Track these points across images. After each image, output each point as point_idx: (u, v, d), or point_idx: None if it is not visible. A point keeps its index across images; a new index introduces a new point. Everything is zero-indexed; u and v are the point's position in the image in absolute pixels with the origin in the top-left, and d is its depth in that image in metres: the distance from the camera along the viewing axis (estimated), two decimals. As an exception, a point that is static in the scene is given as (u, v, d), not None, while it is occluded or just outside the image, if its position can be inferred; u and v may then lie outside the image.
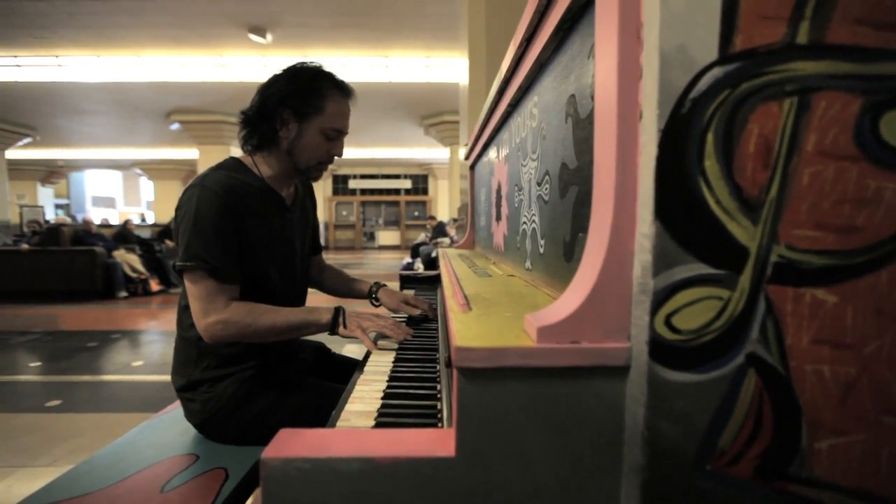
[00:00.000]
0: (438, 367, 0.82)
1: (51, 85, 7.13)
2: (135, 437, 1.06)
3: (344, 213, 16.66)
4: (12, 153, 10.52)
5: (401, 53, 6.62)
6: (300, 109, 0.99)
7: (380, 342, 1.02)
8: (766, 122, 0.37)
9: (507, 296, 0.67)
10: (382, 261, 11.34)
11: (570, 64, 0.60)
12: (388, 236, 16.75)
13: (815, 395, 0.38)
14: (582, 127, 0.55)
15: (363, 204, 16.76)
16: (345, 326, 0.98)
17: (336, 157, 1.08)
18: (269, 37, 5.78)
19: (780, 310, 0.38)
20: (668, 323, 0.37)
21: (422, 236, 10.98)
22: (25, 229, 7.96)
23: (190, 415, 1.03)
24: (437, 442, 0.42)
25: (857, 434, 0.39)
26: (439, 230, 8.73)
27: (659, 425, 0.37)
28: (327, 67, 1.06)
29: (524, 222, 0.88)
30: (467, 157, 1.95)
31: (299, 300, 1.19)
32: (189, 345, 1.02)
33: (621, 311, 0.40)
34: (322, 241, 1.57)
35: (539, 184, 0.76)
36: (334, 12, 5.30)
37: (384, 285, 1.32)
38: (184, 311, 1.02)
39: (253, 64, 6.62)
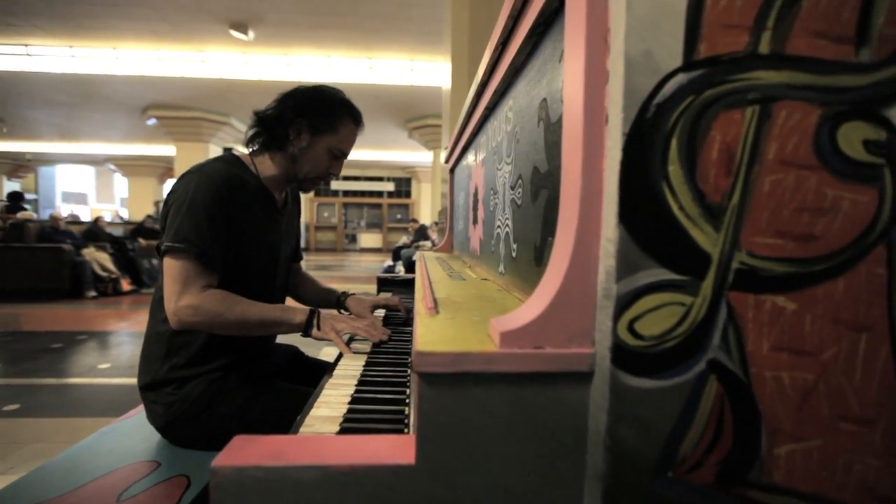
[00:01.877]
0: (409, 370, 0.81)
1: (19, 74, 6.86)
2: (93, 443, 1.01)
3: (325, 214, 16.48)
4: (-23, 145, 10.08)
5: (385, 56, 6.61)
6: (316, 124, 1.05)
7: (354, 345, 1.00)
8: (729, 130, 0.38)
9: (479, 300, 0.66)
10: (363, 263, 11.24)
11: (543, 68, 0.60)
12: (369, 239, 16.63)
13: (774, 402, 0.39)
14: (553, 131, 0.55)
15: (345, 206, 16.61)
16: (318, 328, 0.97)
17: (332, 177, 1.14)
18: (252, 34, 5.69)
19: (741, 316, 0.38)
20: (630, 328, 0.37)
21: (403, 239, 10.94)
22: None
23: (153, 417, 0.99)
24: (396, 449, 0.41)
25: (815, 439, 0.39)
26: (421, 233, 8.72)
27: (621, 432, 0.37)
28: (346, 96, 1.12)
29: (498, 226, 0.88)
30: (447, 161, 1.94)
31: (277, 303, 1.17)
32: (160, 340, 0.99)
33: (585, 316, 0.40)
34: (303, 243, 1.57)
35: (513, 188, 0.76)
36: (318, 12, 5.25)
37: (353, 294, 1.31)
38: (158, 303, 0.99)
39: (234, 61, 6.51)
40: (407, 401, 0.68)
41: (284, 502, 0.38)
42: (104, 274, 5.61)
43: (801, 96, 0.38)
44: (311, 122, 1.05)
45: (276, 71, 6.69)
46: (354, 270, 9.63)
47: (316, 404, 0.67)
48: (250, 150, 1.10)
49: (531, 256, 0.63)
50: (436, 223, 7.78)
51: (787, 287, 0.39)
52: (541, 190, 0.59)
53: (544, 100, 0.58)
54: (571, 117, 0.42)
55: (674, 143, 0.37)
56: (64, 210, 10.39)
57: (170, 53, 6.36)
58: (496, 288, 0.80)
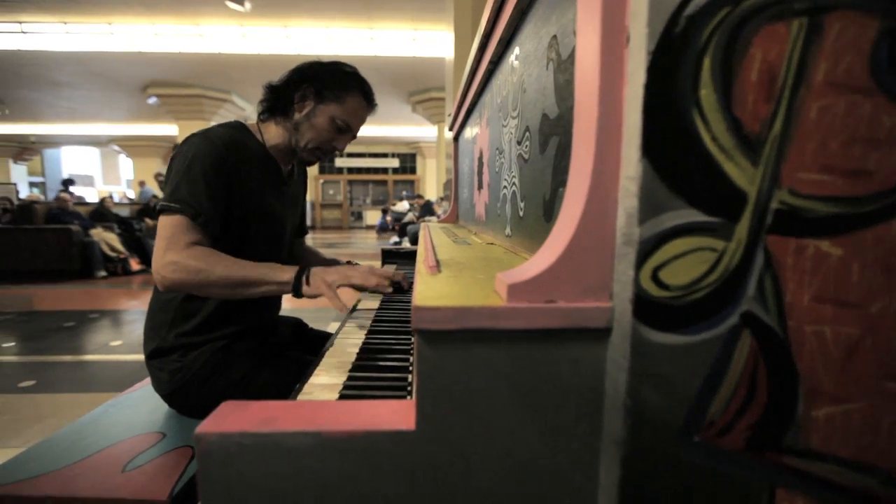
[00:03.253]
0: (413, 337, 0.78)
1: (16, 53, 6.76)
2: (99, 415, 1.01)
3: (331, 192, 16.40)
4: (-19, 128, 10.07)
5: (387, 25, 6.40)
6: (322, 92, 1.01)
7: (357, 313, 0.97)
8: (771, 47, 0.32)
9: (484, 261, 0.62)
10: (370, 240, 11.23)
11: (552, 3, 0.54)
12: (375, 216, 16.57)
13: (814, 359, 0.35)
14: (564, 69, 0.49)
15: (350, 183, 16.50)
16: (308, 284, 0.89)
17: (336, 152, 1.08)
18: (248, 5, 5.52)
19: (779, 263, 0.34)
20: (654, 277, 0.32)
21: (409, 215, 10.88)
22: (-3, 207, 7.67)
23: (158, 385, 0.99)
24: (396, 414, 0.38)
25: (858, 401, 0.35)
26: (426, 209, 8.66)
27: (642, 393, 0.33)
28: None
29: (504, 186, 0.83)
30: (451, 128, 1.88)
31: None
32: (166, 307, 0.98)
33: (603, 265, 0.35)
34: (308, 221, 1.52)
35: (519, 142, 0.71)
36: (316, -21, 5.07)
37: (357, 264, 1.27)
38: None
39: (231, 34, 6.35)
40: (410, 368, 0.65)
41: (275, 470, 0.35)
42: (113, 254, 5.64)
43: (857, 4, 0.32)
44: (316, 89, 1.01)
45: (275, 44, 6.53)
46: (361, 247, 9.63)
47: (315, 372, 0.64)
48: (260, 118, 1.07)
49: (540, 212, 0.58)
50: (441, 198, 7.70)
51: (833, 230, 0.34)
52: (550, 138, 0.54)
53: (554, 37, 0.53)
54: (586, 42, 0.37)
55: (706, 63, 0.32)
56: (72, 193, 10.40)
57: (166, 27, 6.21)
58: (502, 251, 0.76)
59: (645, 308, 0.33)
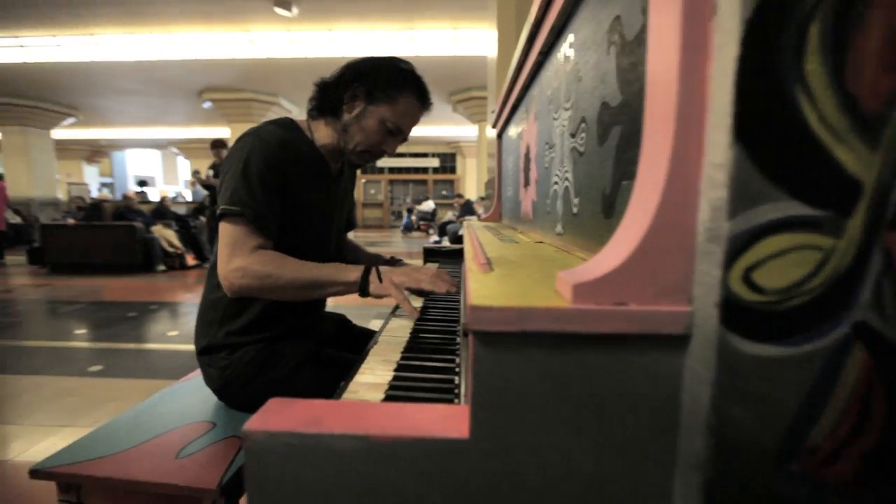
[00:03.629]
0: (459, 339, 0.76)
1: (89, 64, 7.32)
2: (155, 402, 1.05)
3: (372, 191, 16.71)
4: (59, 133, 10.99)
5: (428, 25, 6.42)
6: (373, 92, 0.96)
7: (397, 312, 0.96)
8: (897, 9, 0.27)
9: (536, 259, 0.59)
10: (410, 239, 11.35)
11: (616, -20, 0.50)
12: (415, 215, 16.73)
13: (941, 378, 0.29)
14: (629, 51, 0.45)
15: (391, 182, 16.74)
16: (376, 283, 0.89)
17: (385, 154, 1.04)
18: (295, 10, 5.70)
19: (901, 265, 0.29)
20: (747, 279, 0.28)
21: (449, 214, 10.90)
22: (72, 206, 8.37)
23: (209, 380, 1.02)
24: (448, 420, 0.36)
25: None
26: (467, 208, 8.64)
27: (730, 410, 0.29)
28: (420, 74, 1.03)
29: (555, 182, 0.79)
30: (494, 125, 1.84)
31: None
32: (215, 306, 1.00)
33: (681, 264, 0.31)
34: None
35: (573, 135, 0.67)
36: (360, -18, 5.16)
37: (400, 260, 1.26)
38: (213, 270, 0.99)
39: (279, 39, 6.59)
40: (457, 370, 0.62)
41: (320, 474, 0.34)
42: (171, 249, 6.00)
43: None
44: (367, 89, 0.96)
45: (320, 47, 6.71)
46: (401, 246, 9.74)
47: (360, 370, 0.63)
48: (310, 115, 1.04)
49: (598, 209, 0.54)
50: (482, 198, 7.65)
51: (969, 226, 0.28)
52: (612, 128, 0.50)
53: (617, 18, 0.49)
54: (660, 16, 0.33)
55: (814, 30, 0.28)
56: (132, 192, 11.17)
57: (219, 35, 6.52)
58: (553, 249, 0.72)
59: (734, 314, 0.29)
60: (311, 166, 1.00)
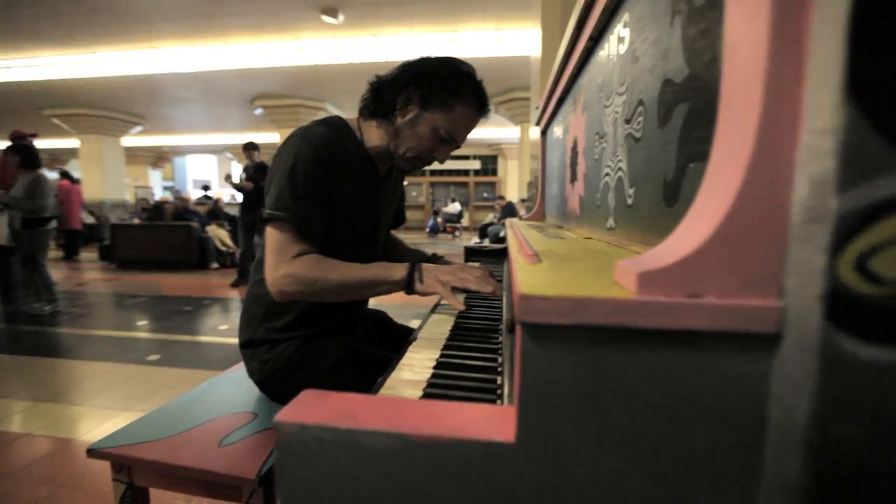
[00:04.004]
0: (501, 337, 0.72)
1: (154, 76, 7.86)
2: (202, 391, 1.09)
3: (413, 193, 16.90)
4: (127, 140, 11.88)
5: (470, 27, 6.41)
6: (428, 97, 0.92)
7: (437, 309, 0.93)
8: None
9: (586, 252, 0.54)
10: (436, 242, 11.37)
11: (683, -57, 0.45)
12: (456, 217, 16.75)
13: None
14: (697, 18, 0.40)
15: (432, 184, 16.86)
16: (421, 282, 0.88)
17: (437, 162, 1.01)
18: (341, 17, 5.86)
19: None
20: (861, 267, 0.23)
21: (490, 217, 10.82)
22: (138, 207, 9.02)
23: (251, 373, 1.04)
24: (492, 421, 0.33)
25: None
26: (508, 210, 8.54)
27: (839, 428, 0.24)
28: (480, 79, 0.98)
29: (607, 174, 0.74)
30: (538, 122, 1.79)
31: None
32: (257, 301, 1.01)
33: (771, 250, 0.27)
34: None
35: (628, 120, 0.62)
36: (404, -14, 5.23)
37: (442, 257, 1.24)
38: (257, 266, 1.01)
39: (326, 46, 6.79)
40: (499, 369, 0.59)
41: (352, 472, 0.32)
42: (224, 248, 6.32)
43: None
44: (422, 94, 0.92)
45: (364, 52, 6.85)
46: (442, 248, 9.76)
47: (399, 366, 0.61)
48: (362, 114, 1.02)
49: (659, 197, 0.49)
50: (523, 200, 7.53)
51: None
52: (676, 106, 0.45)
53: (684, -16, 0.44)
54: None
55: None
56: (193, 195, 11.89)
57: (271, 44, 6.81)
58: (604, 245, 0.67)
59: (844, 309, 0.24)
60: (358, 167, 0.98)
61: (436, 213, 13.56)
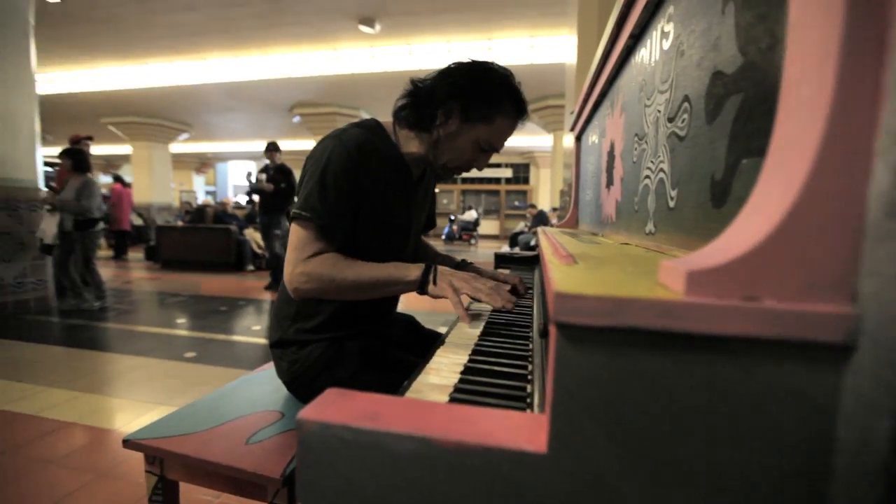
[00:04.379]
0: (531, 344, 0.69)
1: (201, 86, 8.27)
2: (232, 388, 1.11)
3: (444, 201, 16.98)
4: (175, 146, 12.51)
5: (504, 34, 6.41)
6: (470, 111, 0.93)
7: (472, 308, 0.91)
8: None
9: (624, 257, 0.52)
10: (480, 249, 11.33)
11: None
12: (486, 225, 16.71)
13: None
14: (754, 2, 0.37)
15: (463, 192, 16.90)
16: (434, 284, 0.87)
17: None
18: (378, 27, 5.98)
19: None
20: (957, 267, 0.20)
21: (521, 225, 10.72)
22: (181, 210, 9.47)
23: (280, 372, 1.05)
24: (522, 429, 0.30)
25: None
26: (540, 219, 8.43)
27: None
28: (518, 83, 0.98)
29: (647, 176, 0.70)
30: (573, 127, 1.75)
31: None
32: (289, 302, 1.02)
33: (844, 248, 0.24)
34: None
35: (671, 119, 0.58)
36: (440, -4, 5.29)
37: (471, 263, 1.22)
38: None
39: (362, 55, 6.95)
40: (529, 377, 0.56)
41: (373, 475, 0.30)
42: (260, 251, 6.51)
43: None
44: (464, 107, 0.92)
45: (399, 61, 6.97)
46: (471, 256, 9.73)
47: (425, 370, 0.60)
48: (396, 120, 1.01)
49: (704, 197, 0.46)
50: (554, 209, 7.42)
51: None
52: (727, 99, 0.42)
53: (737, -31, 0.41)
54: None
55: None
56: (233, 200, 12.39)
57: (310, 54, 7.03)
58: (642, 250, 0.64)
59: (935, 316, 0.20)
60: (392, 170, 0.98)
61: (451, 221, 13.48)
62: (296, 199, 0.93)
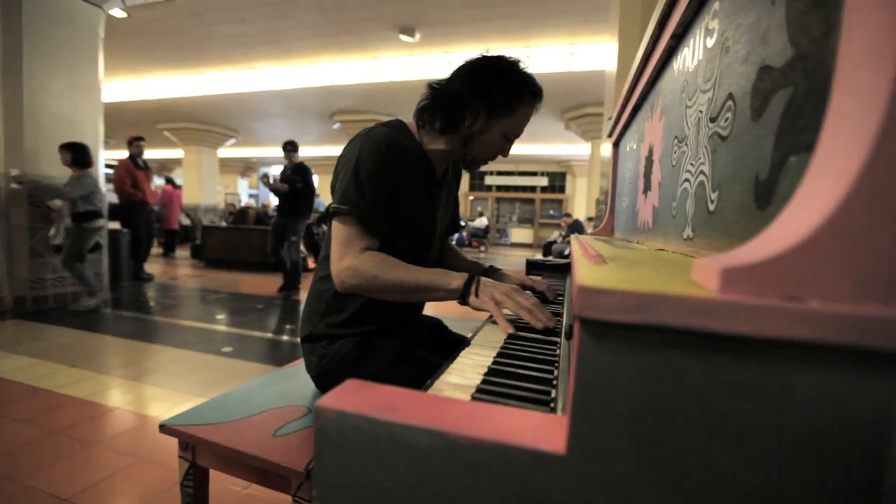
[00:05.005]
0: (559, 349, 0.67)
1: (249, 94, 8.66)
2: (263, 382, 1.14)
3: (479, 209, 16.97)
4: (222, 151, 13.16)
5: (543, 42, 6.38)
6: (493, 107, 0.98)
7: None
8: None
9: (658, 261, 0.49)
10: (513, 258, 11.22)
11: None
12: (520, 234, 16.56)
13: None
14: (807, -9, 0.35)
15: (498, 200, 16.83)
16: (476, 295, 0.88)
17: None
18: (418, 35, 6.09)
19: None
20: None
21: (555, 235, 10.55)
22: (225, 211, 9.92)
23: (309, 367, 1.07)
24: (542, 429, 0.29)
25: None
26: (575, 228, 8.27)
27: None
28: (526, 67, 1.02)
29: (686, 180, 0.67)
30: (611, 133, 1.71)
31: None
32: (319, 297, 1.05)
33: (904, 247, 0.21)
34: (455, 237, 1.53)
35: (713, 119, 0.56)
36: (478, 4, 5.32)
37: (500, 270, 1.22)
38: (322, 263, 1.05)
39: (402, 63, 7.08)
40: (554, 382, 0.55)
41: (389, 467, 0.30)
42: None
43: None
44: (489, 105, 0.97)
45: (437, 69, 7.05)
46: (504, 264, 9.64)
47: (448, 370, 0.59)
48: (418, 121, 1.04)
49: (748, 199, 0.43)
50: (590, 219, 7.26)
51: None
52: (774, 95, 0.40)
53: (788, -42, 0.39)
54: None
55: None
56: (274, 202, 12.86)
57: (351, 63, 7.23)
58: (679, 256, 0.61)
59: None
60: (417, 166, 1.02)
61: (462, 227, 13.51)
62: (331, 198, 0.96)
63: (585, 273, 0.30)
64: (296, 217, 4.51)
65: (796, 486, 0.24)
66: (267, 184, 4.26)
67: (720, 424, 0.24)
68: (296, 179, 4.31)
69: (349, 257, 0.90)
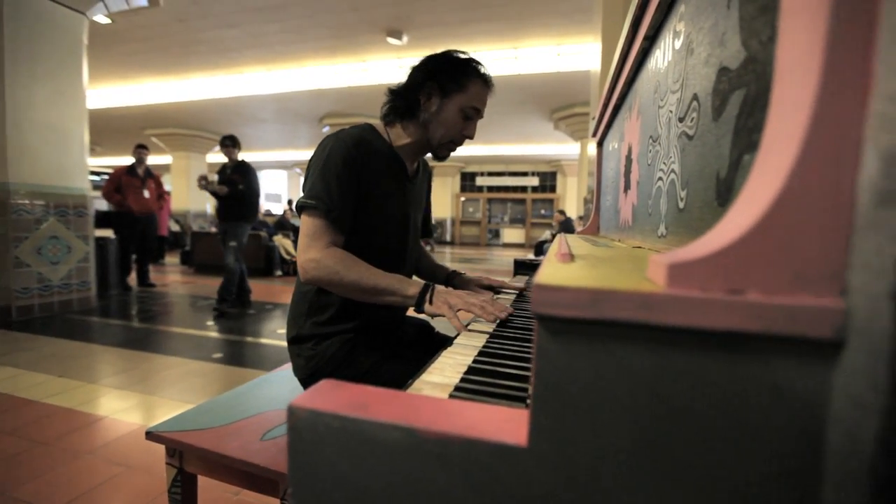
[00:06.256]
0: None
1: (237, 99, 8.62)
2: (251, 387, 1.14)
3: (470, 209, 17.00)
4: (210, 157, 13.05)
5: (531, 43, 6.42)
6: (445, 85, 1.04)
7: (471, 325, 0.92)
8: None
9: (629, 259, 0.51)
10: (505, 258, 11.26)
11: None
12: (512, 234, 16.61)
13: None
14: (758, -4, 0.37)
15: (489, 201, 16.87)
16: (430, 302, 0.92)
17: (467, 140, 1.10)
18: (405, 38, 6.10)
19: None
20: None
21: (546, 234, 10.60)
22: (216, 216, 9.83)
23: (297, 369, 1.07)
24: (506, 423, 0.30)
25: None
26: (566, 226, 8.32)
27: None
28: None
29: (659, 178, 0.69)
30: (594, 133, 1.73)
31: (407, 274, 1.18)
32: (303, 297, 1.07)
33: (832, 239, 0.23)
34: (447, 237, 1.58)
35: (681, 119, 0.57)
36: (466, 7, 5.35)
37: (462, 274, 1.32)
38: None
39: (389, 66, 7.08)
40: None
41: (360, 464, 0.31)
42: (288, 257, 6.68)
43: None
44: (440, 84, 1.03)
45: (427, 71, 7.06)
46: (496, 264, 9.69)
47: (429, 369, 0.60)
48: (385, 122, 1.12)
49: (710, 196, 0.45)
50: (580, 217, 7.31)
51: None
52: (730, 95, 0.41)
53: (742, -37, 0.40)
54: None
55: None
56: (266, 207, 12.80)
57: (341, 66, 7.23)
58: (652, 253, 0.62)
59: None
60: (387, 164, 1.07)
61: (434, 231, 13.59)
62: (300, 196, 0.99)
63: (548, 271, 0.31)
64: (237, 222, 3.89)
65: (744, 467, 0.25)
66: (203, 186, 3.76)
67: (671, 413, 0.25)
68: (236, 180, 3.74)
69: (314, 250, 0.94)
